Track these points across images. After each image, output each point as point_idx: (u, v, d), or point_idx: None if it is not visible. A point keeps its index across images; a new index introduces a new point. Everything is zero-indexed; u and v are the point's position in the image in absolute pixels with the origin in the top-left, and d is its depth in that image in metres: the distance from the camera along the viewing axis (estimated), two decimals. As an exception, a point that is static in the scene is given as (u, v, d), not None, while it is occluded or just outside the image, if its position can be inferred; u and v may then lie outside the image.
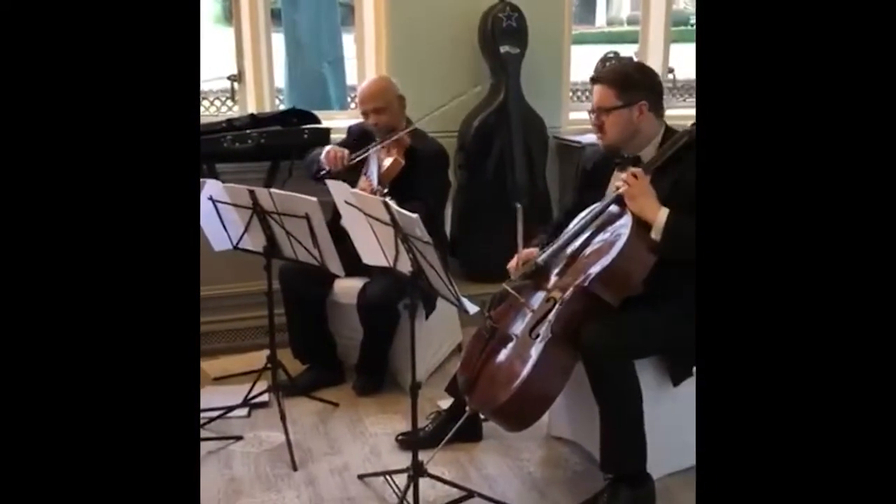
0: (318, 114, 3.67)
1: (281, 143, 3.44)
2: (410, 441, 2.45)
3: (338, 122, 3.73)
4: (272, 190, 2.59)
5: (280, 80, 5.05)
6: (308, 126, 3.54)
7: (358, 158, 3.05)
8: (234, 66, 3.70)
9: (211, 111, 5.76)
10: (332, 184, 2.47)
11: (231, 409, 2.94)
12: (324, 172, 3.02)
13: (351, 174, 3.04)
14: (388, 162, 3.01)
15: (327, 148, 3.13)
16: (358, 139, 3.19)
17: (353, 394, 3.11)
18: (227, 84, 3.82)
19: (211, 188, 2.68)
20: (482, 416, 2.62)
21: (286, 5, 5.28)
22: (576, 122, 4.07)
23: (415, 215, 2.00)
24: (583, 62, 5.22)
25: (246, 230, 2.74)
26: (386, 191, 2.79)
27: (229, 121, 3.49)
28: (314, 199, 2.49)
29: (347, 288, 3.07)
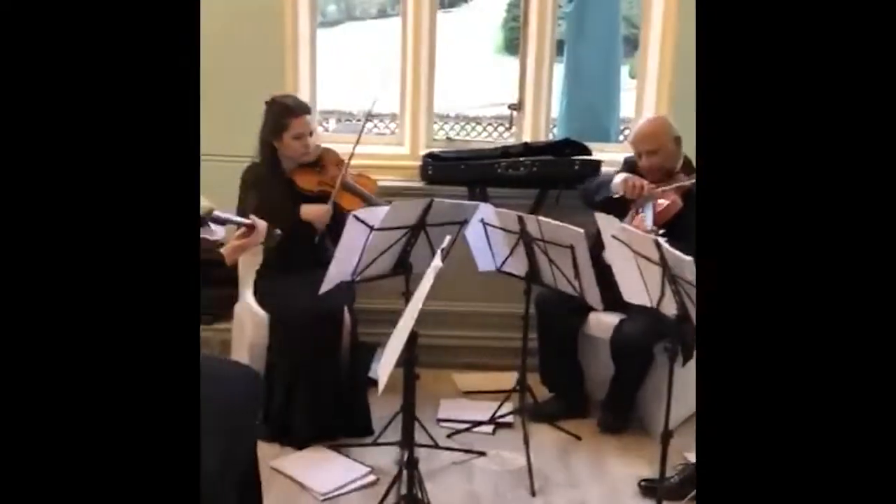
0: (591, 145, 3.69)
1: (551, 173, 3.51)
2: (655, 489, 2.37)
3: (610, 154, 3.72)
4: (540, 218, 2.64)
5: (555, 109, 5.14)
6: (580, 157, 3.57)
7: (662, 190, 2.97)
8: (516, 94, 3.84)
9: (484, 136, 6.01)
10: (600, 216, 2.46)
11: (477, 424, 3.03)
12: (616, 197, 3.00)
13: (617, 208, 3.00)
14: (665, 202, 2.93)
15: (623, 176, 3.07)
16: (632, 173, 3.15)
17: (597, 430, 3.07)
18: (507, 112, 3.96)
19: (483, 211, 2.80)
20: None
21: (571, 37, 5.37)
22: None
23: (688, 258, 1.94)
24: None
25: (511, 254, 2.83)
26: (662, 232, 2.73)
27: (505, 148, 3.63)
28: (581, 230, 2.50)
29: (602, 322, 3.04)
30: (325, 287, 2.44)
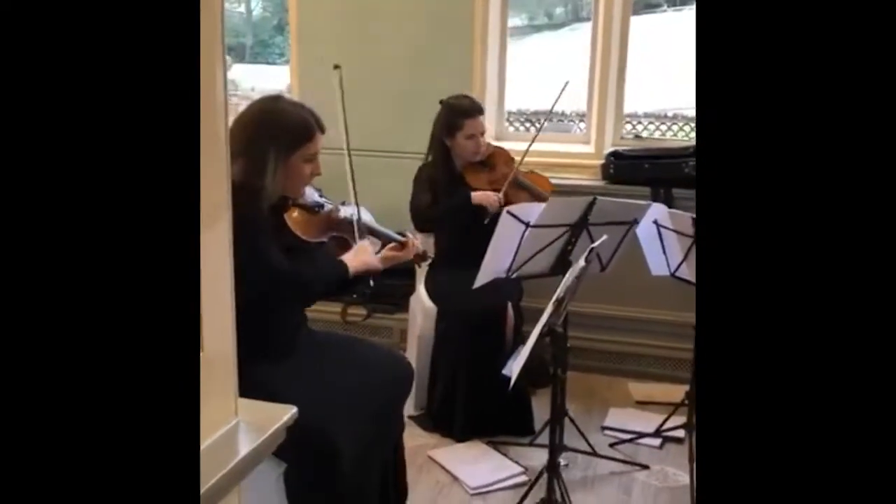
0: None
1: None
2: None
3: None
4: (716, 221, 2.45)
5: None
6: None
7: None
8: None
9: (679, 136, 5.66)
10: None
11: (643, 435, 2.89)
12: None
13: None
14: None
15: None
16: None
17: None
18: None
19: (656, 212, 2.66)
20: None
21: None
22: None
23: None
24: None
25: (685, 259, 2.66)
26: None
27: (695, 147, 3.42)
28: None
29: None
30: (479, 282, 2.45)
